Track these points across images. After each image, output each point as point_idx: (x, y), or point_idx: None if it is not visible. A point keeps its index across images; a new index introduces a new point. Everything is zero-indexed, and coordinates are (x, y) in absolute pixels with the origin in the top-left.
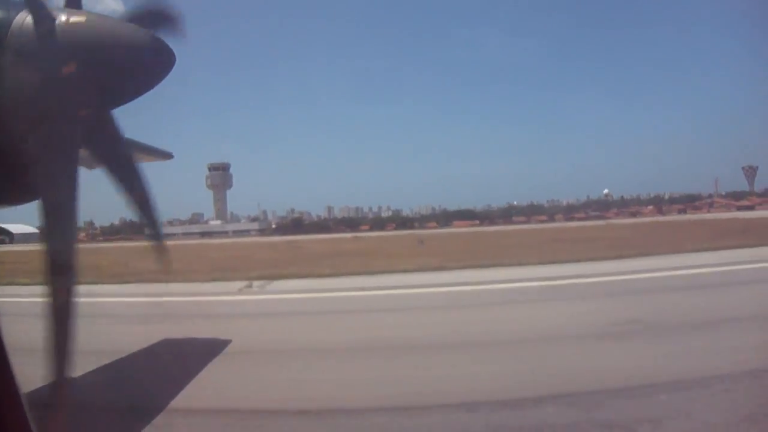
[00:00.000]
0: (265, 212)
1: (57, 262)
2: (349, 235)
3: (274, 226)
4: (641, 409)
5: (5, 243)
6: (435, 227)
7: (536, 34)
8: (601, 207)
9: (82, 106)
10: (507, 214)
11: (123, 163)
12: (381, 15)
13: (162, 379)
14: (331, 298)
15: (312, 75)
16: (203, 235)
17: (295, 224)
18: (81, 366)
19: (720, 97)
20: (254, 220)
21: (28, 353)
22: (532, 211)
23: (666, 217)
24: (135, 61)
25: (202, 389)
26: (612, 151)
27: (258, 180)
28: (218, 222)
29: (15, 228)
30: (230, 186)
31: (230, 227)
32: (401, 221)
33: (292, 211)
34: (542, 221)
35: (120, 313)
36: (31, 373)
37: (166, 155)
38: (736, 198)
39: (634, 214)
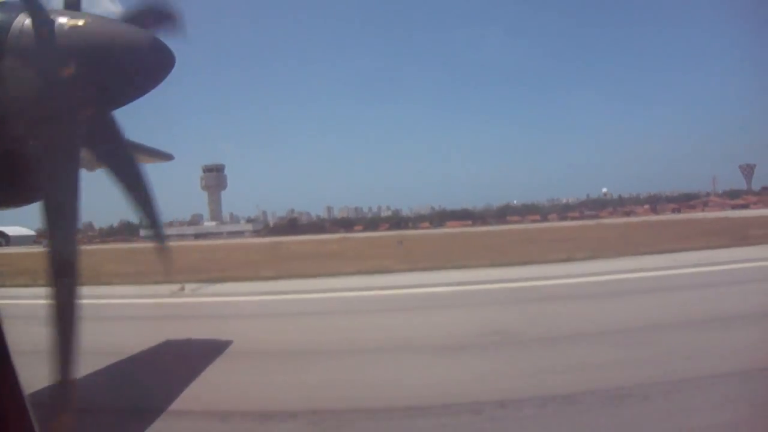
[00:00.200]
0: (264, 213)
1: (60, 263)
2: (338, 236)
3: (271, 226)
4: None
5: (1, 245)
6: (427, 227)
7: (536, 34)
8: (599, 206)
9: (82, 108)
10: (503, 214)
11: (125, 164)
12: (378, 15)
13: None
14: (243, 302)
15: (312, 75)
16: (197, 236)
17: (291, 225)
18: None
19: (720, 96)
20: (252, 221)
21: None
22: (527, 211)
23: (658, 217)
24: (135, 62)
25: None
26: (611, 150)
27: (258, 181)
28: (213, 223)
29: (11, 230)
30: (225, 187)
31: (225, 228)
32: (396, 222)
33: (292, 211)
34: (534, 221)
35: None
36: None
37: (167, 156)
38: (732, 197)
39: (627, 214)
